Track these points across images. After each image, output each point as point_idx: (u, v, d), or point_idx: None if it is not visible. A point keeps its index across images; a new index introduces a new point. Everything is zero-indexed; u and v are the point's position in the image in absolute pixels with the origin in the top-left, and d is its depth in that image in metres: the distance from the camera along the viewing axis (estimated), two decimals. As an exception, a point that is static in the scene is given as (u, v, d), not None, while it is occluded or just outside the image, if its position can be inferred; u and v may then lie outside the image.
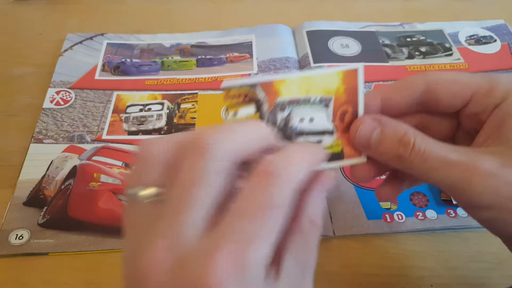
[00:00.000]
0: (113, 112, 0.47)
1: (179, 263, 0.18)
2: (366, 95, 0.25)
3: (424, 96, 0.26)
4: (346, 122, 0.24)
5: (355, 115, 0.23)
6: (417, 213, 0.38)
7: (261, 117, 0.23)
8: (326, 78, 0.23)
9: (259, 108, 0.23)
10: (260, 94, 0.22)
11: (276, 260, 0.21)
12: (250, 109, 0.23)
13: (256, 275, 0.18)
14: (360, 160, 0.26)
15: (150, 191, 0.20)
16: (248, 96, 0.22)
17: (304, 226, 0.22)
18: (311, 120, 0.24)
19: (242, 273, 0.18)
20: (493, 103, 0.25)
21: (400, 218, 0.37)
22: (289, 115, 0.23)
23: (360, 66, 0.23)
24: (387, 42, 0.55)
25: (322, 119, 0.24)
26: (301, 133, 0.24)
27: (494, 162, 0.22)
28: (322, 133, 0.24)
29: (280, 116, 0.23)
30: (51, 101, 0.48)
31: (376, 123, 0.25)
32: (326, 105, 0.23)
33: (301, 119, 0.23)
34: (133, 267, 0.19)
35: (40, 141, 0.44)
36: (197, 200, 0.19)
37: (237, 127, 0.20)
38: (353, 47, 0.55)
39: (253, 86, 0.22)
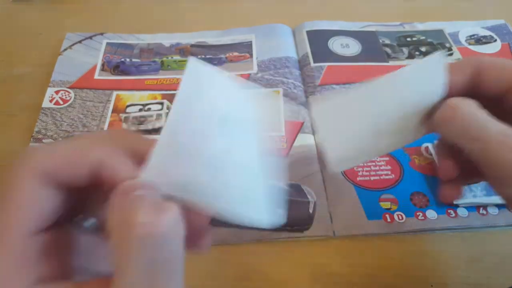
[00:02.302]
0: (112, 112, 0.47)
1: None
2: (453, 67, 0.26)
3: (472, 78, 0.26)
4: None
5: None
6: (417, 213, 0.38)
7: None
8: None
9: None
10: None
11: None
12: None
13: None
14: None
15: None
16: None
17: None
18: None
19: None
20: None
21: (400, 218, 0.37)
22: None
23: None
24: (387, 42, 0.55)
25: None
26: None
27: None
28: None
29: None
30: (50, 101, 0.48)
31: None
32: None
33: None
34: None
35: (39, 140, 0.44)
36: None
37: None
38: (353, 47, 0.54)
39: None
